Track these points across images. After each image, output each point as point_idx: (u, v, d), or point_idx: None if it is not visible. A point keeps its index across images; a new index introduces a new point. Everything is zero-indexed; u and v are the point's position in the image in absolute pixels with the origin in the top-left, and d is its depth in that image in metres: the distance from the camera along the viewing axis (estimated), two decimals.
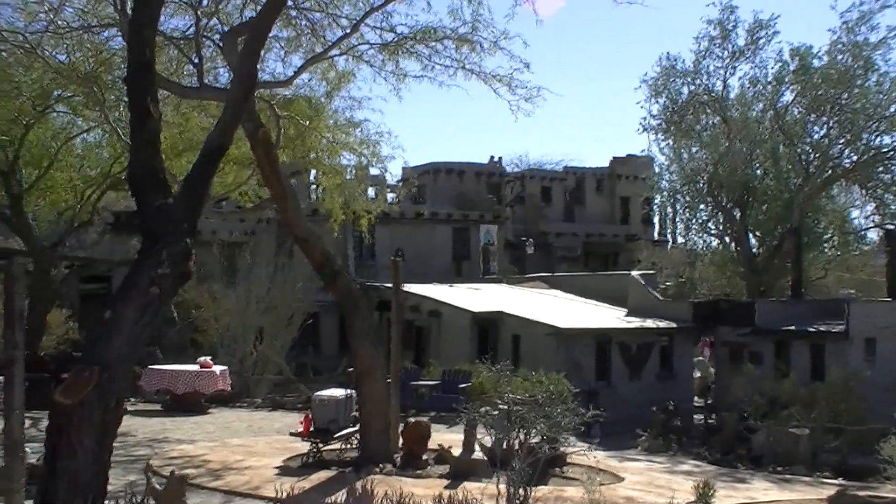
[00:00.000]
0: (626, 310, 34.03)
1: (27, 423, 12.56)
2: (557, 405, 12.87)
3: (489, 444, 15.03)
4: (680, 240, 49.24)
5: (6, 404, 10.90)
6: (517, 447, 12.75)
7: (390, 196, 35.38)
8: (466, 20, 17.94)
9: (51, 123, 25.39)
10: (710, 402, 31.46)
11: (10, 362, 10.67)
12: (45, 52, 19.62)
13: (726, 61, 36.15)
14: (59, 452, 8.61)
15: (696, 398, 32.90)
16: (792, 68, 35.40)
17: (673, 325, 32.02)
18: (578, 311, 34.77)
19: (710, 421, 27.67)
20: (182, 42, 18.73)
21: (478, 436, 15.77)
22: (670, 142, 39.39)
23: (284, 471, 15.78)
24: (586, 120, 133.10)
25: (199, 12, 17.61)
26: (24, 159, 24.66)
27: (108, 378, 8.74)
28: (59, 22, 18.62)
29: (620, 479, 16.61)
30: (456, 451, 16.05)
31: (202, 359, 25.11)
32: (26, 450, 11.07)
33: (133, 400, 24.15)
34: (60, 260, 26.19)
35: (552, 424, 12.62)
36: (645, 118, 38.26)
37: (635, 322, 32.04)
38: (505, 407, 13.36)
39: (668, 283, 41.63)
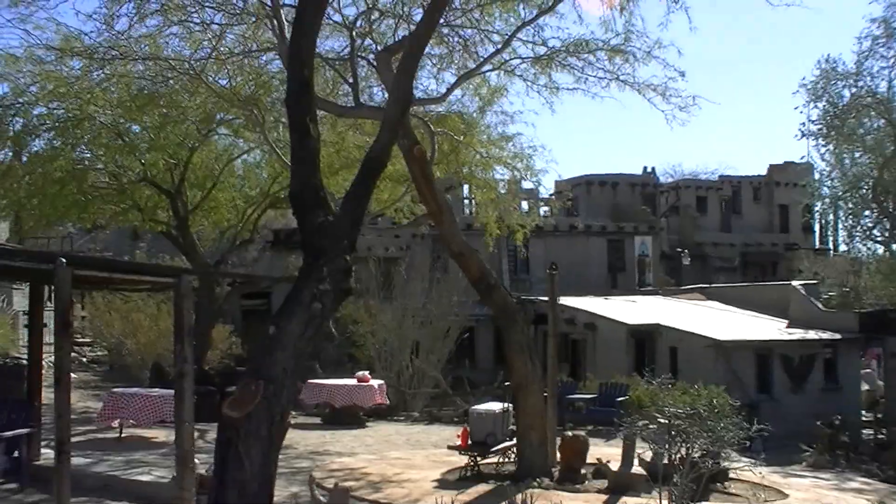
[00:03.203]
0: (786, 321, 33.11)
1: (195, 434, 13.00)
2: (720, 419, 12.59)
3: (648, 459, 14.80)
4: (843, 248, 47.71)
5: (177, 416, 11.31)
6: (678, 462, 12.51)
7: (544, 209, 35.25)
8: (619, 31, 17.81)
9: (214, 146, 26.22)
10: (879, 416, 30.30)
11: (181, 376, 11.07)
12: (208, 77, 20.35)
13: (892, 61, 34.74)
14: (228, 464, 8.84)
15: (864, 412, 31.74)
16: None
17: (837, 336, 30.98)
18: (737, 322, 33.99)
19: (880, 436, 26.64)
20: (338, 63, 19.12)
21: (637, 450, 15.55)
22: (831, 147, 38.05)
23: (443, 484, 15.85)
24: (742, 127, 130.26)
25: (354, 33, 17.95)
26: (190, 181, 25.50)
27: (274, 392, 8.93)
28: (222, 48, 19.27)
29: (785, 496, 16.11)
30: (614, 466, 15.85)
31: (360, 373, 25.45)
32: (196, 461, 11.46)
33: (294, 413, 24.65)
34: (223, 277, 26.97)
35: (715, 439, 12.34)
36: (804, 123, 37.13)
37: (797, 333, 31.14)
38: (665, 421, 13.13)
39: (831, 293, 40.28)
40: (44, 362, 16.05)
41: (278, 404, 9.04)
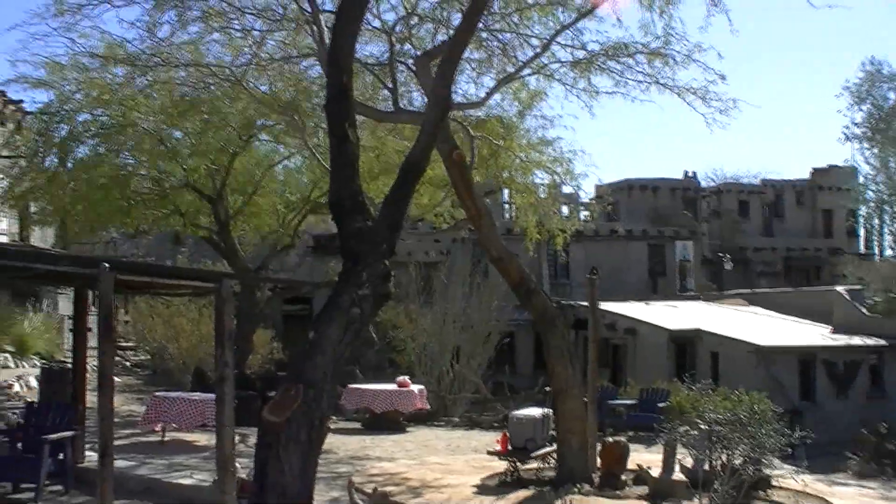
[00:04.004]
0: (830, 326, 32.77)
1: (236, 438, 13.08)
2: (761, 425, 12.48)
3: (689, 465, 14.70)
4: (888, 252, 47.20)
5: (218, 421, 11.39)
6: (719, 468, 12.42)
7: (584, 213, 35.13)
8: (658, 34, 17.71)
9: (254, 151, 26.35)
10: None
11: (221, 380, 11.15)
12: (249, 83, 20.48)
13: None
14: (268, 468, 8.89)
15: None
16: None
17: (883, 342, 30.61)
18: (780, 327, 33.71)
19: None
20: (377, 68, 19.18)
21: (678, 456, 15.44)
22: (876, 150, 37.69)
23: (482, 489, 15.82)
24: (784, 131, 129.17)
25: (393, 38, 17.99)
26: (231, 186, 25.63)
27: (314, 396, 8.98)
28: (262, 54, 19.39)
29: None
30: (655, 472, 15.75)
31: (400, 378, 25.48)
32: (236, 465, 11.53)
33: (334, 418, 24.74)
34: (264, 282, 27.11)
35: (756, 445, 12.24)
36: (848, 126, 36.84)
37: (841, 339, 30.83)
38: (706, 427, 13.03)
39: (876, 299, 39.80)
40: (88, 366, 16.24)
41: (318, 409, 9.08)
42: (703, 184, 61.63)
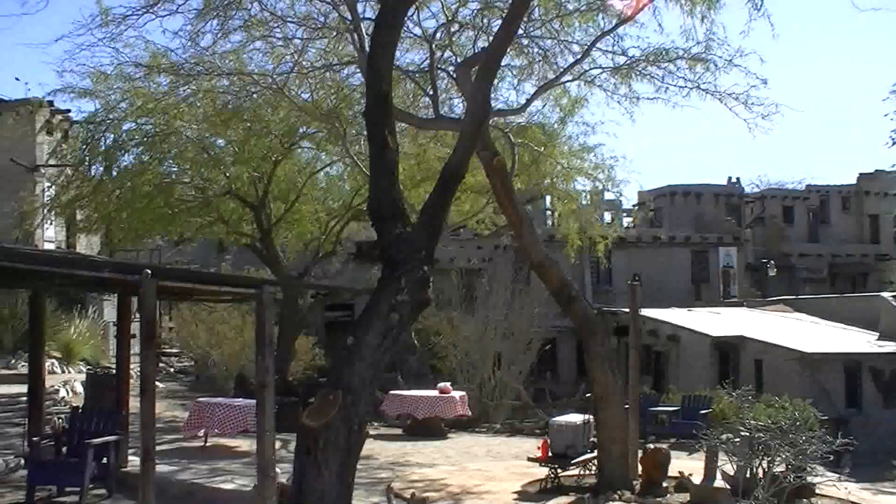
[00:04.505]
0: (877, 333, 32.38)
1: (278, 444, 13.16)
2: (803, 432, 12.37)
3: (731, 473, 14.60)
4: None
5: (259, 426, 11.46)
6: (761, 476, 12.32)
7: (626, 220, 35.01)
8: (699, 40, 17.61)
9: (297, 159, 26.48)
10: None
11: (262, 387, 11.22)
12: (290, 91, 20.63)
13: None
14: (307, 472, 8.96)
15: None
16: None
17: None
18: (825, 334, 33.36)
19: None
20: (417, 75, 19.24)
21: (719, 464, 15.34)
22: None
23: (523, 496, 15.81)
24: (830, 135, 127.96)
25: (434, 45, 18.05)
26: (273, 194, 25.78)
27: (352, 402, 9.04)
28: (304, 63, 19.53)
29: None
30: (696, 479, 15.65)
31: (442, 384, 25.50)
32: (277, 470, 11.59)
33: (376, 424, 24.79)
34: (306, 289, 27.23)
35: (798, 452, 12.14)
36: (895, 130, 36.38)
37: (888, 346, 30.43)
38: (747, 434, 12.94)
39: None
40: (132, 372, 16.41)
41: (356, 414, 9.14)
42: (747, 190, 61.11)
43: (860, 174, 60.99)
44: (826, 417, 17.30)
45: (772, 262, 52.23)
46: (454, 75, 18.01)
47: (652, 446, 17.49)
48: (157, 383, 22.89)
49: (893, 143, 36.59)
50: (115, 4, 17.05)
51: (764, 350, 28.99)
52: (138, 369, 14.33)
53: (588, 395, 18.82)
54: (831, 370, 28.14)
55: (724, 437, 13.49)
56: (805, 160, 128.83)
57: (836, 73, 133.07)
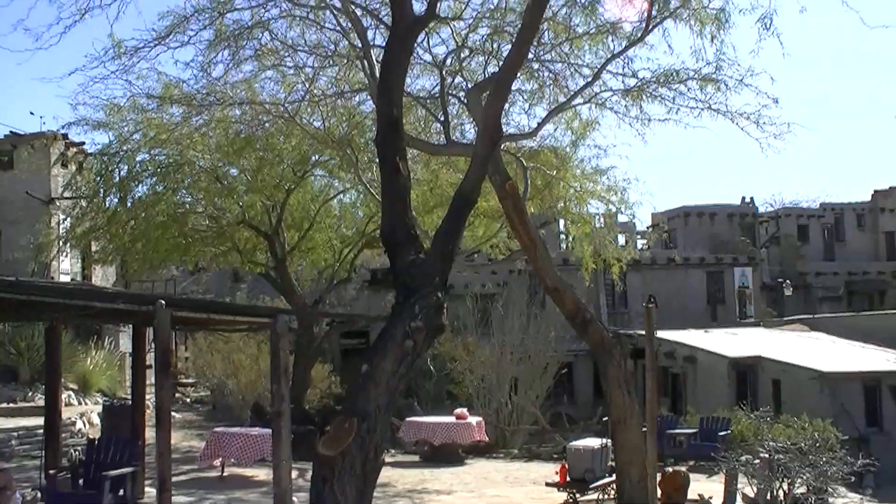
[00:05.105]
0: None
1: (294, 473, 13.11)
2: (823, 453, 12.26)
3: (752, 495, 14.48)
4: None
5: (275, 456, 11.43)
6: (781, 498, 12.22)
7: (640, 242, 34.92)
8: (709, 60, 17.56)
9: (310, 186, 26.52)
10: None
11: (278, 415, 11.20)
12: (302, 119, 20.70)
13: None
14: (325, 501, 8.91)
15: None
16: None
17: None
18: (843, 353, 33.16)
19: None
20: (428, 101, 19.27)
21: (739, 486, 15.23)
22: None
23: None
24: (843, 153, 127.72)
25: (444, 71, 18.08)
26: (287, 222, 25.83)
27: (368, 429, 8.99)
28: (315, 90, 19.59)
29: None
30: (716, 502, 15.54)
31: (459, 410, 25.43)
32: (294, 499, 11.56)
33: (392, 451, 24.72)
34: (321, 317, 27.21)
35: (819, 474, 12.03)
36: None
37: None
38: (767, 455, 12.84)
39: None
40: (148, 402, 16.40)
41: (372, 441, 9.09)
42: (761, 209, 61.04)
43: (875, 191, 60.80)
44: (846, 437, 17.12)
45: (788, 281, 52.06)
46: (465, 100, 18.03)
47: (671, 469, 17.39)
48: (173, 413, 22.87)
49: None
50: (127, 37, 17.07)
51: (782, 370, 28.81)
52: (154, 399, 14.33)
53: (605, 418, 18.69)
54: (851, 389, 27.92)
55: (743, 458, 13.37)
56: (819, 178, 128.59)
57: (849, 89, 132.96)
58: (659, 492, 16.63)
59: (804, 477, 12.18)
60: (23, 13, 21.21)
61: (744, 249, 50.97)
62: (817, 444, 12.65)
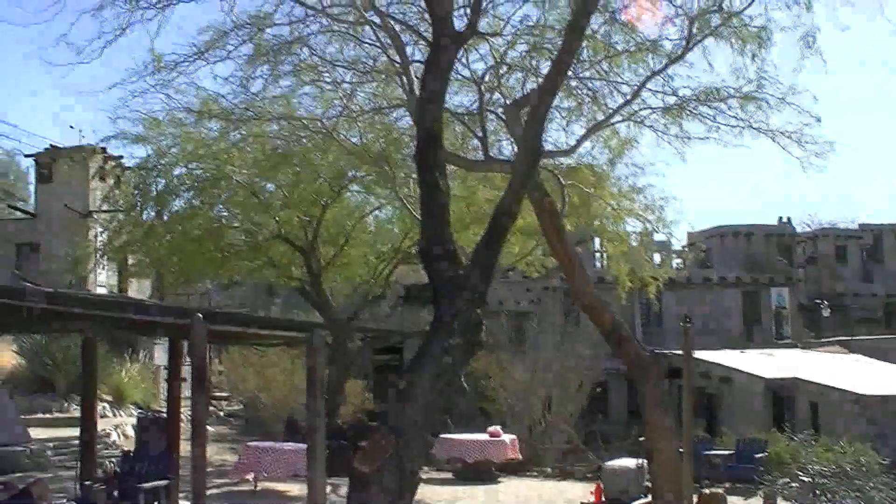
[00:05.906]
0: None
1: (328, 489, 13.06)
2: (869, 478, 12.05)
3: None
4: None
5: (309, 471, 11.39)
6: None
7: (677, 261, 34.72)
8: (750, 78, 17.42)
9: (346, 202, 26.54)
10: None
11: (312, 431, 11.16)
12: (340, 135, 20.72)
13: None
14: None
15: None
16: None
17: None
18: (882, 375, 32.73)
19: None
20: (467, 117, 19.21)
21: None
22: None
23: None
24: (883, 173, 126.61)
25: (482, 87, 18.02)
26: (322, 237, 25.85)
27: (404, 445, 8.93)
28: (353, 106, 19.60)
29: None
30: None
31: (492, 427, 25.32)
32: None
33: (426, 468, 24.62)
34: (356, 332, 27.22)
35: (866, 500, 11.82)
36: None
37: None
38: (808, 479, 12.65)
39: None
40: (182, 415, 16.42)
41: (408, 458, 9.03)
42: (799, 229, 60.53)
43: None
44: (888, 461, 16.86)
45: (825, 302, 51.59)
46: (503, 117, 17.96)
47: (707, 491, 17.19)
48: (206, 427, 22.90)
49: None
50: (167, 52, 17.18)
51: (820, 392, 28.48)
52: (189, 412, 14.35)
53: (641, 437, 18.52)
54: (890, 412, 27.53)
55: (782, 481, 13.18)
56: (858, 197, 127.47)
57: (887, 107, 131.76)
58: None
59: (848, 502, 11.96)
60: (65, 27, 21.41)
61: (781, 270, 50.58)
62: (863, 468, 12.44)
